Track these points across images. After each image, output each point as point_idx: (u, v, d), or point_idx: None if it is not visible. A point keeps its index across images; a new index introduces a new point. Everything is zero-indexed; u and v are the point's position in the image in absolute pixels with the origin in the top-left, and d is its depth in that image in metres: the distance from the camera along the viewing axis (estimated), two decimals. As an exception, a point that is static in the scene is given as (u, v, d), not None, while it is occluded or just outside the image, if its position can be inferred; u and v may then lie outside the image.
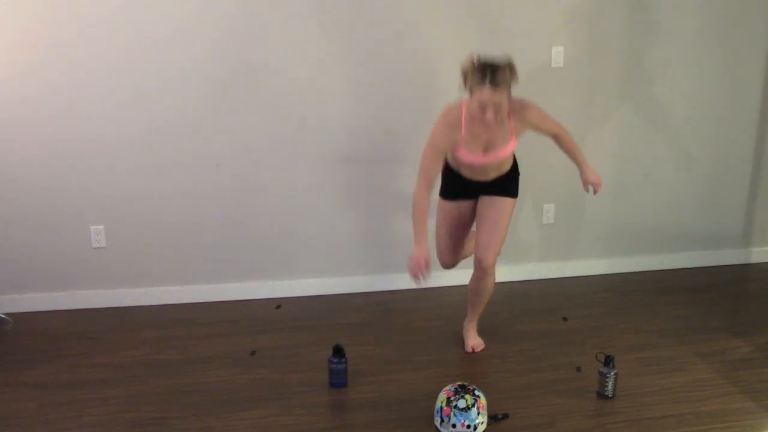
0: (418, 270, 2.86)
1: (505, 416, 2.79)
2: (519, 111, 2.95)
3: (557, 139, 3.13)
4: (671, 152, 4.24)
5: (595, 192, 3.21)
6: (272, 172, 3.80)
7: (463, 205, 3.19)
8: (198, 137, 3.68)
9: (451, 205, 3.20)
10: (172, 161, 3.68)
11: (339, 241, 3.96)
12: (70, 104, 3.52)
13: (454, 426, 2.63)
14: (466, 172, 3.09)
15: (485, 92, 2.70)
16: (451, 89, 3.90)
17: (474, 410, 2.64)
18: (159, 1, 3.47)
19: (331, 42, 3.68)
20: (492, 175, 3.08)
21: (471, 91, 2.77)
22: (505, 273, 4.04)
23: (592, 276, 4.30)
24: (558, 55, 3.90)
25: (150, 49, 3.52)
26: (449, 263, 3.37)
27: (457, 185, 3.15)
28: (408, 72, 3.78)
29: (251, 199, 3.81)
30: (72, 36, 3.44)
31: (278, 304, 3.88)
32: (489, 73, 2.71)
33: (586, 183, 3.19)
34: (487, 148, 2.94)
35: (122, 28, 3.47)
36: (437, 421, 2.68)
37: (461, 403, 2.64)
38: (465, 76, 2.81)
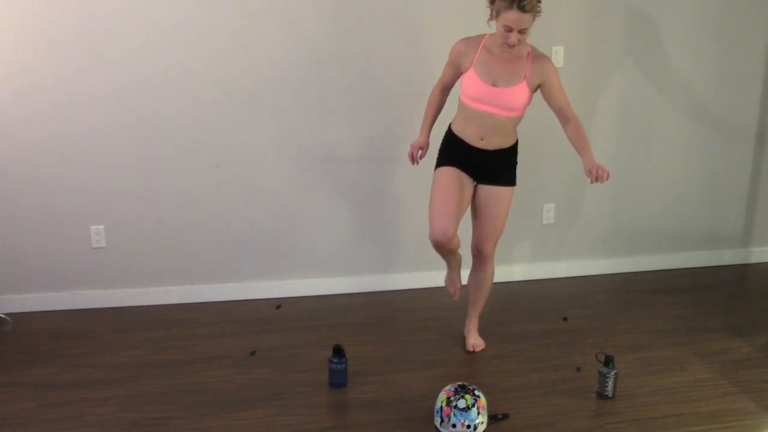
0: (413, 152, 3.18)
1: (505, 416, 2.79)
2: (538, 58, 2.95)
3: (566, 122, 2.98)
4: (671, 152, 4.25)
5: (599, 179, 2.85)
6: (272, 172, 3.80)
7: (459, 173, 3.05)
8: (198, 137, 3.68)
9: (449, 173, 3.04)
10: (172, 161, 3.68)
11: (339, 241, 3.96)
12: (70, 104, 3.52)
13: (454, 426, 2.63)
14: (470, 132, 3.02)
15: (512, 15, 2.75)
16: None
17: (474, 410, 2.64)
18: None
19: (332, 42, 3.68)
20: (495, 139, 3.01)
21: (497, 15, 2.82)
22: (505, 273, 4.05)
23: (592, 276, 4.30)
24: (558, 55, 3.90)
25: (150, 49, 3.52)
26: (446, 232, 2.98)
27: (456, 153, 3.06)
28: (408, 72, 3.78)
29: (251, 198, 3.81)
30: (71, 34, 3.44)
31: (278, 304, 3.88)
32: None
33: (588, 172, 2.88)
34: (495, 82, 2.93)
35: (122, 26, 3.47)
36: (437, 421, 2.68)
37: (461, 403, 2.64)
38: (492, 1, 2.86)
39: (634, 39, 4.00)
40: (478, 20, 3.83)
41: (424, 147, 3.18)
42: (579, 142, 2.98)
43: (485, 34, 3.01)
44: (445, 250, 3.10)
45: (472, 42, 3.01)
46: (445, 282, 3.38)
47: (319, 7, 3.62)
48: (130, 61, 3.52)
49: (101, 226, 3.70)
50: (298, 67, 3.68)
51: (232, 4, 3.55)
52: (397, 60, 3.76)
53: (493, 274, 3.27)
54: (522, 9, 2.74)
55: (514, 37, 2.80)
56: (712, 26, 4.08)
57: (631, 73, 4.05)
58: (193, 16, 3.53)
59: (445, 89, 3.17)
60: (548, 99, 3.02)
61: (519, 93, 2.94)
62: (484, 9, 3.77)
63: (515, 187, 3.16)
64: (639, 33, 4.00)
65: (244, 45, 3.61)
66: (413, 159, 3.18)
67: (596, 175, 2.85)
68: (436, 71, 3.80)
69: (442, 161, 3.14)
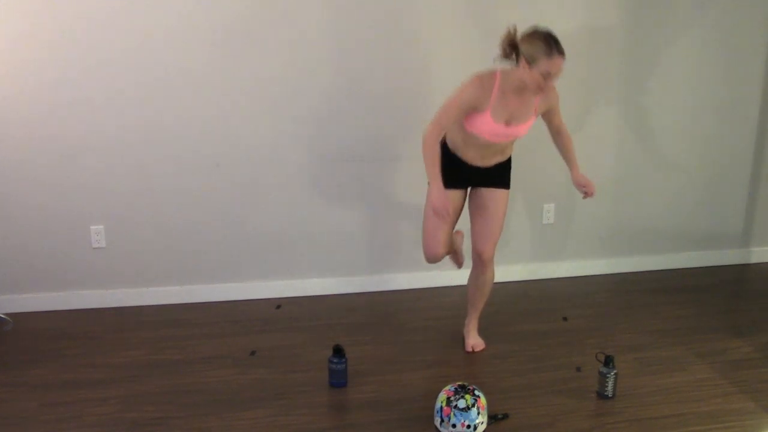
0: (442, 207, 2.88)
1: (505, 416, 2.79)
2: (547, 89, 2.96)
3: (559, 133, 3.13)
4: (671, 152, 4.25)
5: (589, 195, 3.13)
6: (272, 172, 3.80)
7: (456, 195, 3.10)
8: (198, 137, 3.68)
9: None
10: (172, 161, 3.68)
11: (339, 241, 3.96)
12: (70, 104, 3.52)
13: (454, 426, 2.63)
14: (470, 154, 3.02)
15: (553, 61, 2.71)
16: (448, 89, 3.91)
17: (474, 410, 2.64)
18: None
19: (332, 43, 3.68)
20: (495, 159, 3.05)
21: (531, 62, 2.73)
22: (504, 273, 4.05)
23: (592, 276, 4.30)
24: (558, 55, 3.90)
25: (150, 49, 3.52)
26: (438, 255, 3.14)
27: (454, 172, 3.06)
28: (407, 73, 3.78)
29: (251, 198, 3.82)
30: (72, 35, 3.44)
31: (278, 304, 3.88)
32: (554, 43, 2.72)
33: (577, 186, 3.13)
34: (509, 121, 2.91)
35: (122, 26, 3.47)
36: (437, 421, 2.68)
37: (461, 403, 2.64)
38: (513, 46, 2.79)
39: (634, 39, 4.00)
40: (479, 19, 3.84)
41: (447, 199, 2.91)
42: (570, 154, 3.16)
43: (497, 72, 2.87)
44: None
45: (486, 83, 2.86)
46: (450, 257, 3.41)
47: (319, 7, 3.62)
48: (130, 60, 3.52)
49: (101, 226, 3.70)
50: (297, 67, 3.68)
51: (232, 5, 3.55)
52: (397, 60, 3.76)
53: (493, 276, 3.27)
54: (562, 53, 2.72)
55: (552, 82, 2.77)
56: (712, 26, 4.07)
57: (631, 72, 4.05)
58: (193, 17, 3.52)
59: (442, 133, 2.94)
60: (547, 120, 3.10)
61: (530, 123, 2.98)
62: (485, 9, 3.78)
63: (510, 190, 3.17)
64: (639, 33, 4.00)
65: (245, 45, 3.60)
66: (443, 215, 2.89)
67: (592, 191, 3.10)
68: (436, 72, 3.81)
69: None
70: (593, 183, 3.11)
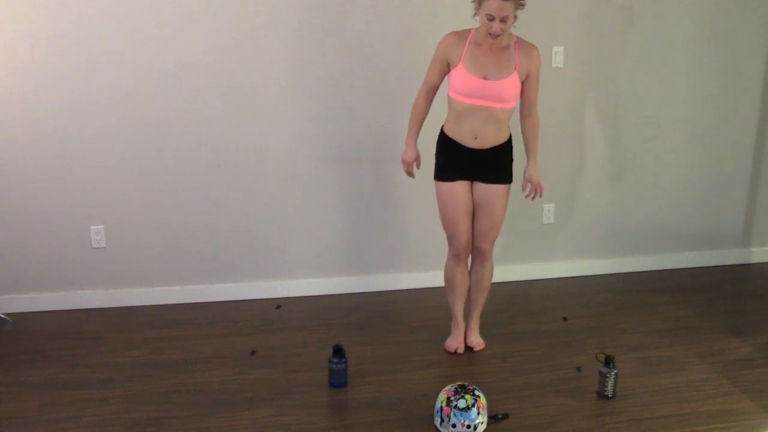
0: (409, 168, 3.19)
1: (505, 416, 2.79)
2: (527, 47, 2.99)
3: (529, 116, 3.10)
4: (671, 152, 4.25)
5: (534, 196, 3.14)
6: (272, 172, 3.80)
7: (461, 187, 3.09)
8: (199, 137, 3.68)
9: (449, 188, 3.10)
10: (172, 161, 3.68)
11: (339, 241, 3.96)
12: (70, 104, 3.52)
13: (454, 426, 2.63)
14: (464, 131, 3.01)
15: (493, 3, 2.75)
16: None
17: (474, 410, 2.64)
18: None
19: (333, 42, 3.68)
20: (490, 135, 3.01)
21: (479, 6, 2.82)
22: (505, 273, 4.05)
23: (592, 276, 4.30)
24: (558, 55, 3.90)
25: (150, 49, 3.52)
26: (464, 243, 3.16)
27: (452, 159, 3.07)
28: (409, 72, 3.77)
29: (251, 199, 3.82)
30: (71, 34, 3.45)
31: (278, 304, 3.88)
32: None
33: (528, 180, 3.13)
34: (487, 76, 2.92)
35: (122, 26, 3.47)
36: (437, 421, 2.69)
37: (461, 403, 2.64)
38: None
39: (634, 39, 4.00)
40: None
41: (418, 159, 3.18)
42: (534, 141, 3.15)
43: (471, 29, 2.98)
44: (462, 264, 3.24)
45: (460, 36, 2.98)
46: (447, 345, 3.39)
47: (320, 6, 3.62)
48: (130, 60, 3.52)
49: (101, 226, 3.70)
50: (298, 66, 3.68)
51: (233, 4, 3.55)
52: (398, 60, 3.76)
53: (492, 271, 3.28)
54: None
55: (496, 26, 2.80)
56: (712, 26, 4.07)
57: (631, 72, 4.05)
58: (193, 16, 3.53)
59: (430, 93, 3.11)
60: (524, 89, 3.04)
61: (511, 84, 2.95)
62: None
63: (512, 184, 3.16)
64: (639, 33, 4.00)
65: (245, 45, 3.61)
66: (411, 174, 3.21)
67: (539, 191, 3.12)
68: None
69: (440, 171, 3.13)
70: (543, 187, 3.15)
